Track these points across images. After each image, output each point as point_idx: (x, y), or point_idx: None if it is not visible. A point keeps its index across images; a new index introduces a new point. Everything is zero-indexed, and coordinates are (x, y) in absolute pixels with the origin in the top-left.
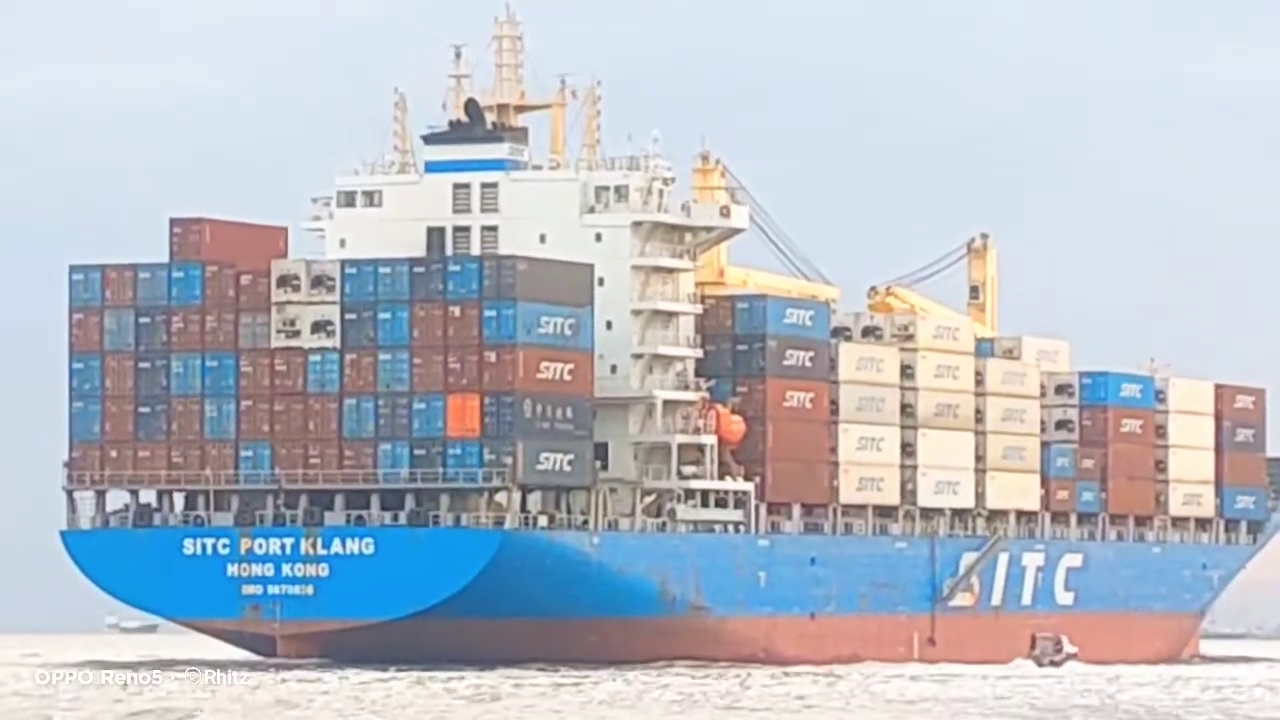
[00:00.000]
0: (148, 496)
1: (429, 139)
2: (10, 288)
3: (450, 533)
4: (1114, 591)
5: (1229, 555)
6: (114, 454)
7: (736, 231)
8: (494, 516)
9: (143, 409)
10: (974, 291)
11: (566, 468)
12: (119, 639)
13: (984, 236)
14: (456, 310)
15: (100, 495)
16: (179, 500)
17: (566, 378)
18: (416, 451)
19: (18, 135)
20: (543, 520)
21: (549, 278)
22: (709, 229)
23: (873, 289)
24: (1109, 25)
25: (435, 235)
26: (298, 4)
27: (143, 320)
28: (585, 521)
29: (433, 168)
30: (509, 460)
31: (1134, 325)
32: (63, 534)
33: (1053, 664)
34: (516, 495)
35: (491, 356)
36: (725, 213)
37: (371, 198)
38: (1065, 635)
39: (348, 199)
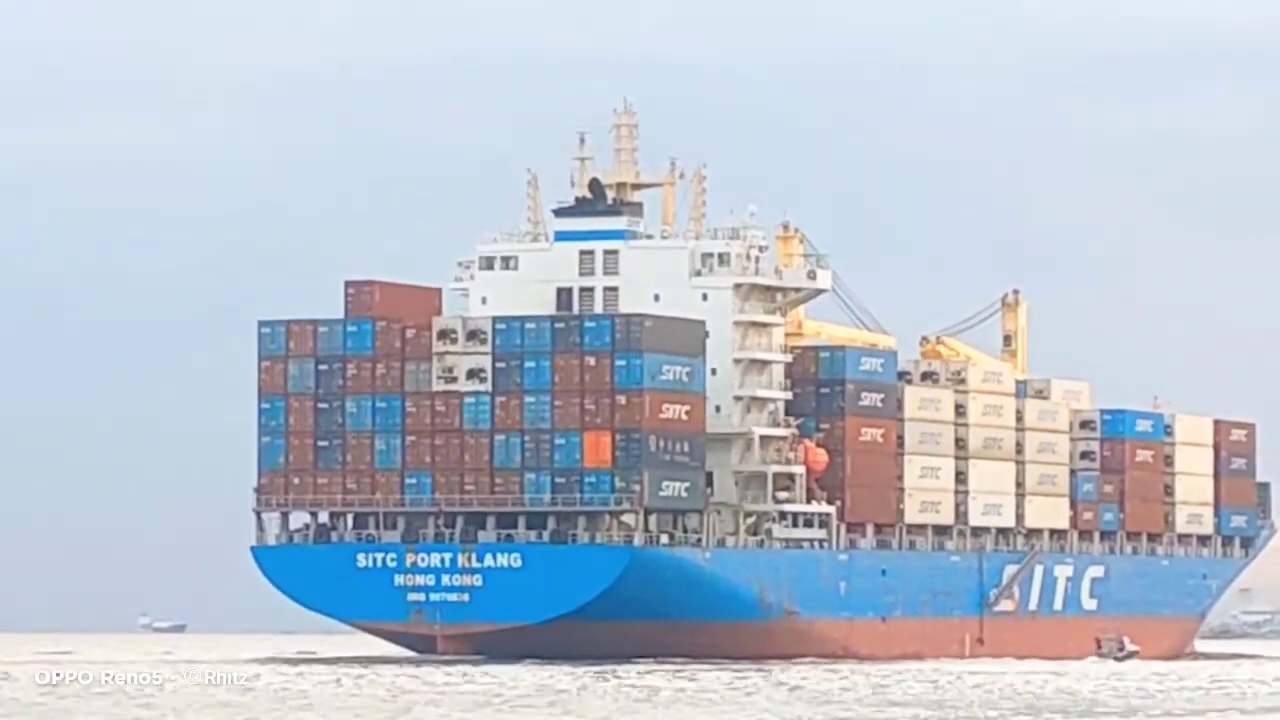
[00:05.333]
0: (324, 517)
1: (559, 212)
2: (201, 340)
3: (587, 549)
4: (1130, 598)
5: (1225, 566)
6: (296, 481)
7: (820, 292)
8: (623, 535)
9: (321, 443)
10: (1006, 340)
11: (683, 494)
12: (150, 638)
13: (1015, 292)
14: (592, 360)
15: (284, 516)
16: (351, 520)
17: (683, 417)
18: (557, 480)
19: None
20: (664, 538)
21: (669, 332)
22: (797, 289)
23: (924, 339)
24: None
25: (564, 295)
26: (446, 103)
27: (321, 368)
28: (698, 539)
29: (561, 237)
30: (636, 487)
31: (1143, 366)
32: (253, 549)
33: (1117, 660)
34: (642, 517)
35: (622, 399)
36: (812, 276)
37: (508, 262)
38: (1126, 636)
39: (488, 263)
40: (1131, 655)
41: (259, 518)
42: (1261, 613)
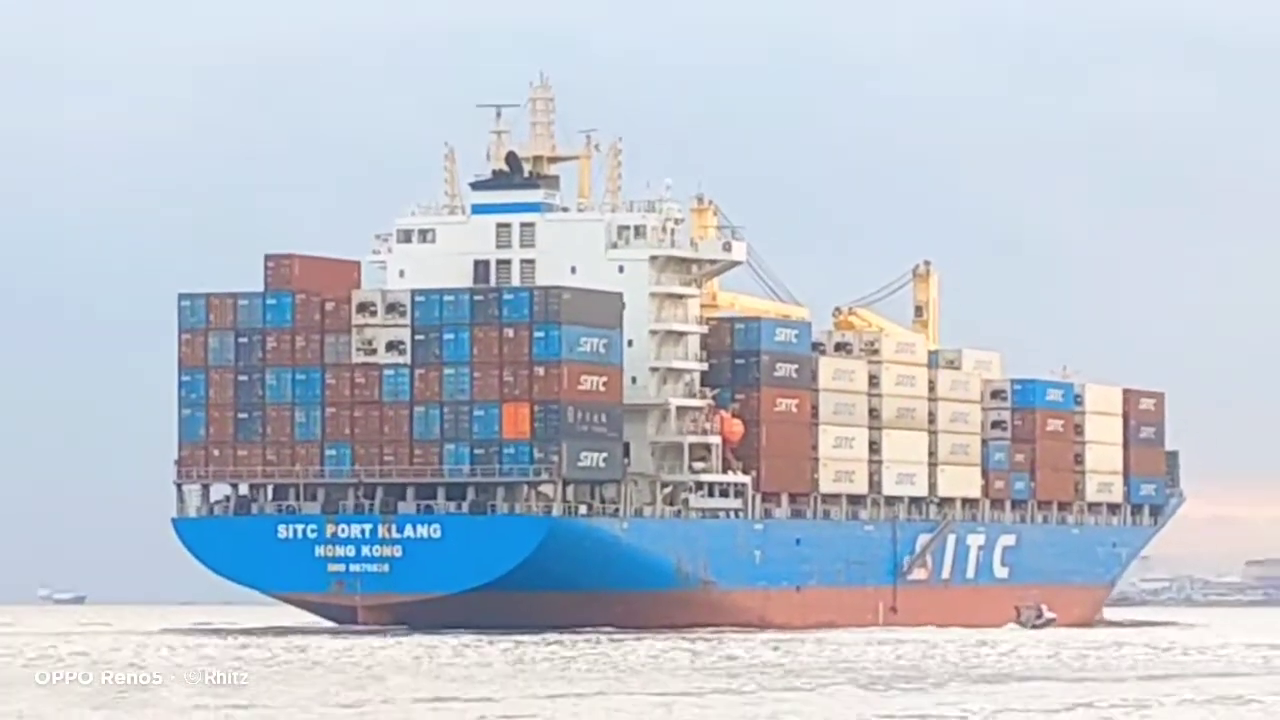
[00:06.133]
0: (245, 489)
1: (475, 185)
2: (120, 312)
3: (506, 519)
4: (1041, 566)
5: (1134, 535)
6: (217, 453)
7: (735, 264)
8: (542, 506)
9: (241, 415)
10: (918, 310)
11: (601, 464)
12: (53, 609)
13: (926, 263)
14: (510, 332)
15: (205, 488)
16: (271, 492)
17: (601, 389)
18: (476, 451)
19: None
20: (581, 509)
21: (586, 305)
22: (713, 261)
23: (837, 309)
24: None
25: (481, 267)
26: (353, 77)
27: (241, 340)
28: (616, 510)
29: (478, 210)
30: (555, 458)
31: (1052, 336)
32: (174, 521)
33: (1034, 628)
34: (560, 487)
35: (540, 371)
36: (727, 248)
37: (425, 235)
38: (1044, 604)
39: (405, 236)
40: (1049, 623)
41: (179, 490)
42: (1160, 580)
